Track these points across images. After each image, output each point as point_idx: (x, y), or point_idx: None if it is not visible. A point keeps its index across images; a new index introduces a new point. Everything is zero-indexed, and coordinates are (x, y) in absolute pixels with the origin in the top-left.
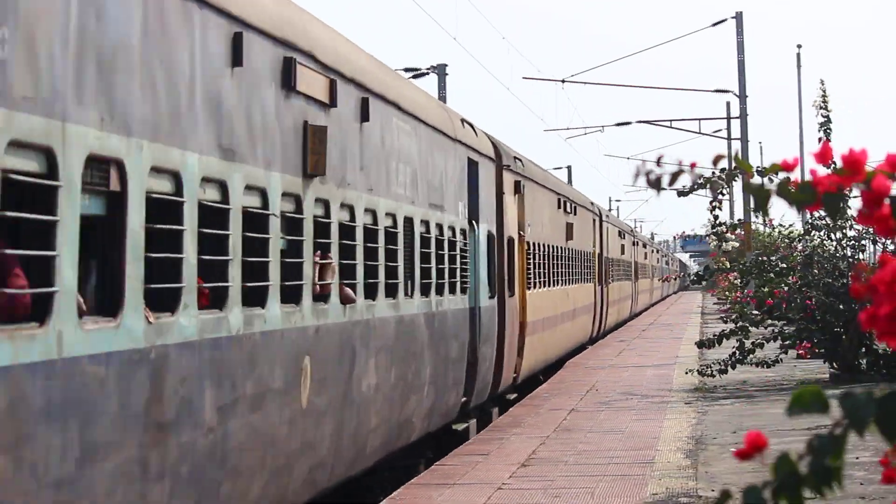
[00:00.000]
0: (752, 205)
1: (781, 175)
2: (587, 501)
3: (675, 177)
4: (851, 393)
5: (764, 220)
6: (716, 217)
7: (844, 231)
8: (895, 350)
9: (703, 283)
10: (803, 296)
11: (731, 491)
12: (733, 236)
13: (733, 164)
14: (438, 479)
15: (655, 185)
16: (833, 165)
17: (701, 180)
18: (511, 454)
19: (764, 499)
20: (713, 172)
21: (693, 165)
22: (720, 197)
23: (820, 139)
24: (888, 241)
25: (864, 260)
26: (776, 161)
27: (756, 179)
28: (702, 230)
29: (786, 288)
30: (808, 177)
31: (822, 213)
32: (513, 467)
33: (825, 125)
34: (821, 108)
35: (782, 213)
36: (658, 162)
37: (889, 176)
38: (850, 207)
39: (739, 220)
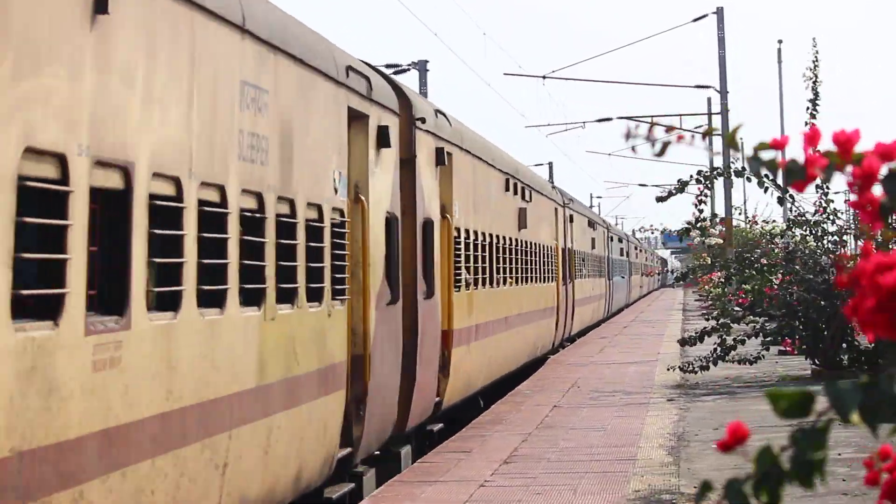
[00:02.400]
0: (749, 174)
1: (771, 153)
2: (569, 498)
3: (664, 147)
4: (835, 382)
5: (744, 207)
6: (700, 211)
7: (825, 227)
8: (876, 346)
9: (689, 279)
10: (785, 292)
11: (712, 483)
12: (716, 231)
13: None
14: (421, 476)
15: (657, 148)
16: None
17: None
18: (493, 451)
19: (745, 493)
20: (699, 174)
21: (680, 137)
22: (705, 196)
23: (807, 108)
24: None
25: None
26: (764, 140)
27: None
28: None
29: (768, 284)
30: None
31: (804, 209)
32: (495, 464)
33: (815, 91)
34: (812, 72)
35: (757, 204)
36: (651, 125)
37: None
38: (832, 201)
39: (720, 216)
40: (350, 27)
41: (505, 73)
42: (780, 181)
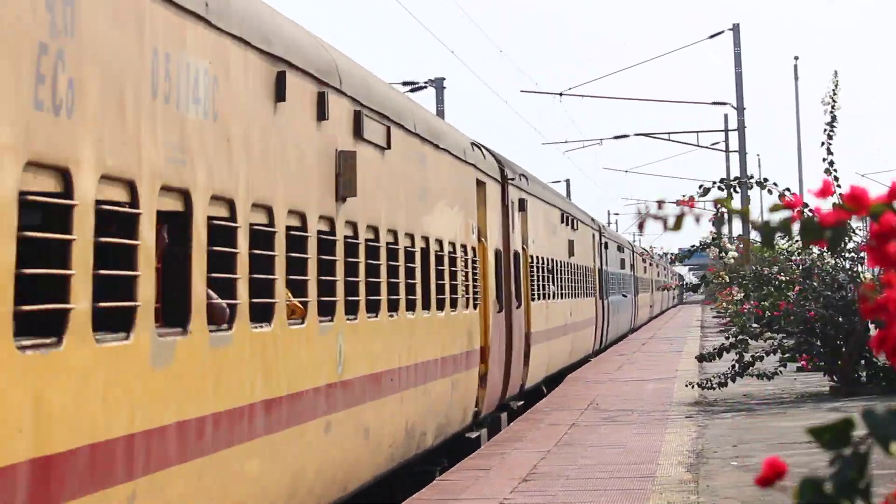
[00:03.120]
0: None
1: (783, 214)
2: None
3: (678, 220)
4: (873, 410)
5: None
6: (718, 230)
7: (843, 243)
8: None
9: (701, 290)
10: (803, 308)
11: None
12: (733, 247)
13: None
14: (440, 494)
15: (664, 225)
16: (834, 200)
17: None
18: (512, 469)
19: None
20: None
21: (691, 205)
22: (722, 210)
23: (823, 143)
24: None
25: (863, 272)
26: (777, 202)
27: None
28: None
29: (785, 301)
30: (806, 188)
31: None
32: (514, 482)
33: (831, 123)
34: (830, 103)
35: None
36: (659, 205)
37: (892, 209)
38: (853, 231)
39: (739, 235)
40: (367, 44)
41: (521, 90)
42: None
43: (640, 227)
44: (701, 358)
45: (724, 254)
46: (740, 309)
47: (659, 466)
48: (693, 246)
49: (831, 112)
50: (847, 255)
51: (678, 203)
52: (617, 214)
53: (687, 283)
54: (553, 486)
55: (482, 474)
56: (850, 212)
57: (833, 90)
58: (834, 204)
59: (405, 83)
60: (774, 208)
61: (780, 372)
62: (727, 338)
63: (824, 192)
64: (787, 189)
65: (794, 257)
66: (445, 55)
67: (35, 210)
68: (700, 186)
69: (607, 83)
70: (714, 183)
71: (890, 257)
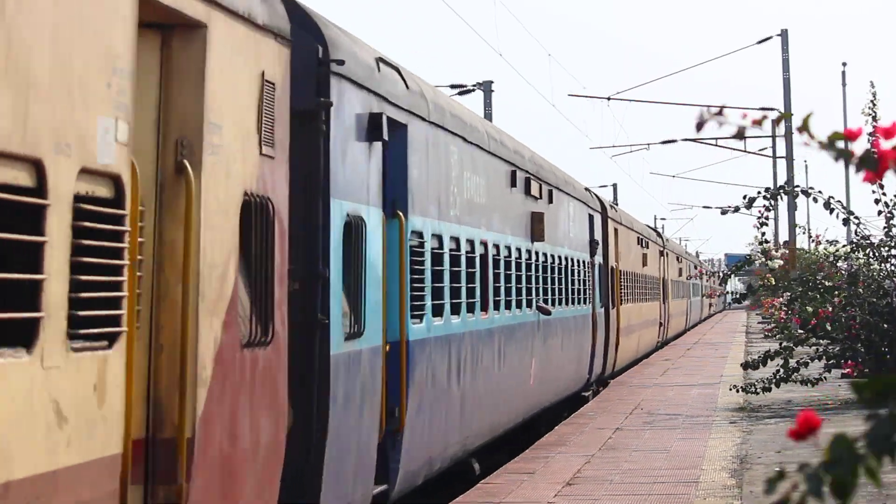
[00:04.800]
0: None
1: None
2: None
3: (740, 130)
4: None
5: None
6: (763, 234)
7: (890, 250)
8: None
9: (747, 301)
10: (848, 315)
11: (785, 471)
12: (778, 255)
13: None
14: (484, 497)
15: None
16: None
17: (746, 201)
18: (556, 473)
19: (819, 476)
20: (762, 194)
21: (755, 122)
22: (766, 215)
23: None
24: None
25: None
26: (839, 131)
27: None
28: (747, 249)
29: (830, 307)
30: (852, 194)
31: (867, 232)
32: (558, 486)
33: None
34: (869, 114)
35: (826, 228)
36: (720, 111)
37: None
38: (895, 225)
39: (784, 241)
40: (417, 46)
41: (569, 94)
42: (852, 170)
43: (699, 127)
44: (745, 365)
45: (769, 261)
46: (780, 317)
47: (703, 472)
48: (740, 261)
49: (872, 123)
50: (894, 261)
51: (743, 116)
52: (664, 219)
53: (732, 293)
54: (596, 490)
55: (526, 478)
56: None
57: (872, 102)
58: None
59: (453, 86)
60: (835, 136)
61: (825, 378)
62: (771, 339)
63: (890, 132)
64: (832, 197)
65: (839, 263)
66: (494, 58)
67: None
68: (744, 196)
69: (655, 88)
70: (759, 192)
71: None
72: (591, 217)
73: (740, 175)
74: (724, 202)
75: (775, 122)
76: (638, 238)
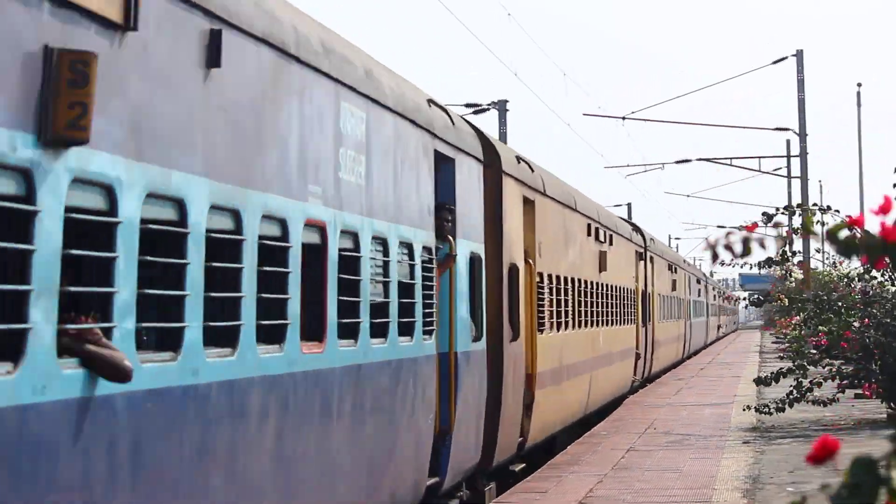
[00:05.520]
0: (819, 247)
1: (845, 230)
2: None
3: (745, 246)
4: None
5: (824, 260)
6: (783, 255)
7: None
8: None
9: (763, 310)
10: (862, 335)
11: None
12: (798, 269)
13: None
14: None
15: (733, 255)
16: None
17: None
18: (568, 492)
19: (842, 496)
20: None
21: (752, 229)
22: (790, 233)
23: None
24: None
25: None
26: (841, 220)
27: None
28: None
29: (847, 328)
30: (867, 215)
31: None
32: None
33: None
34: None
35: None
36: (727, 235)
37: None
38: None
39: (799, 261)
40: (431, 65)
41: (584, 114)
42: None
43: (714, 258)
44: (759, 381)
45: (790, 275)
46: (801, 335)
47: (715, 492)
48: (760, 262)
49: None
50: None
51: (743, 228)
52: (678, 239)
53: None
54: None
55: (538, 497)
56: None
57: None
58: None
59: (468, 105)
60: (837, 228)
61: (839, 399)
62: (784, 359)
63: (884, 209)
64: (849, 216)
65: (854, 283)
66: (509, 77)
67: None
68: (763, 214)
69: (670, 107)
70: (777, 209)
71: None
72: (442, 159)
73: (755, 195)
74: (738, 221)
75: (785, 238)
76: (589, 226)
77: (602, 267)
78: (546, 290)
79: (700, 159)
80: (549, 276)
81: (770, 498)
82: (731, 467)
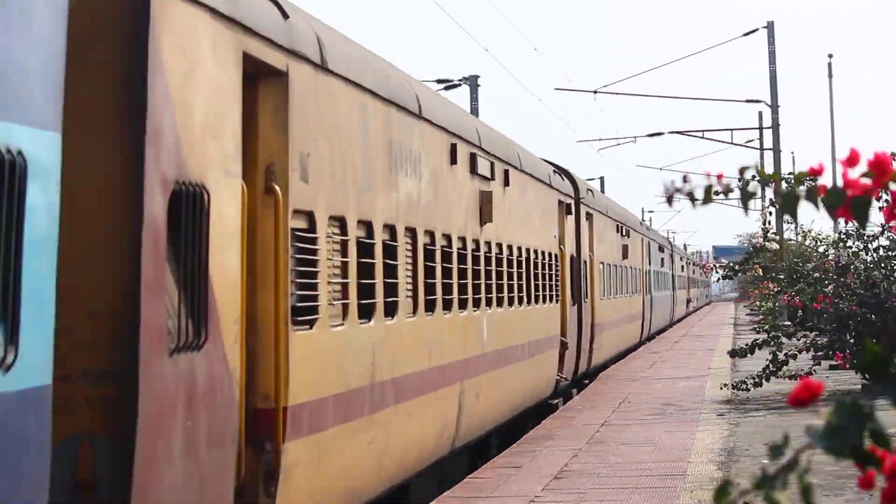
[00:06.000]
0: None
1: (809, 181)
2: None
3: (708, 192)
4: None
5: (795, 225)
6: (765, 231)
7: (878, 239)
8: None
9: (730, 285)
10: (836, 306)
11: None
12: (776, 239)
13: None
14: (471, 492)
15: (691, 199)
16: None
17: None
18: (544, 467)
19: (831, 437)
20: (739, 182)
21: (720, 176)
22: (769, 213)
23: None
24: None
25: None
26: (804, 170)
27: (784, 186)
28: (734, 241)
29: (819, 296)
30: (840, 183)
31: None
32: (545, 480)
33: None
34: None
35: (811, 220)
36: (684, 179)
37: None
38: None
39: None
40: (402, 42)
41: (556, 88)
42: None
43: (669, 201)
44: (733, 353)
45: (767, 242)
46: (775, 306)
47: (690, 464)
48: (743, 252)
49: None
50: (883, 251)
51: (707, 175)
52: (651, 212)
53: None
54: (584, 484)
55: (514, 472)
56: (875, 179)
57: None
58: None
59: (439, 81)
60: (799, 177)
61: (814, 371)
62: (758, 332)
63: (851, 160)
64: (811, 167)
65: (828, 253)
66: (479, 53)
67: None
68: (739, 178)
69: (642, 81)
70: (738, 181)
71: None
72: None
73: (728, 167)
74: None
75: (743, 179)
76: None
77: (486, 217)
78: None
79: (672, 132)
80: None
81: (745, 470)
82: (706, 440)
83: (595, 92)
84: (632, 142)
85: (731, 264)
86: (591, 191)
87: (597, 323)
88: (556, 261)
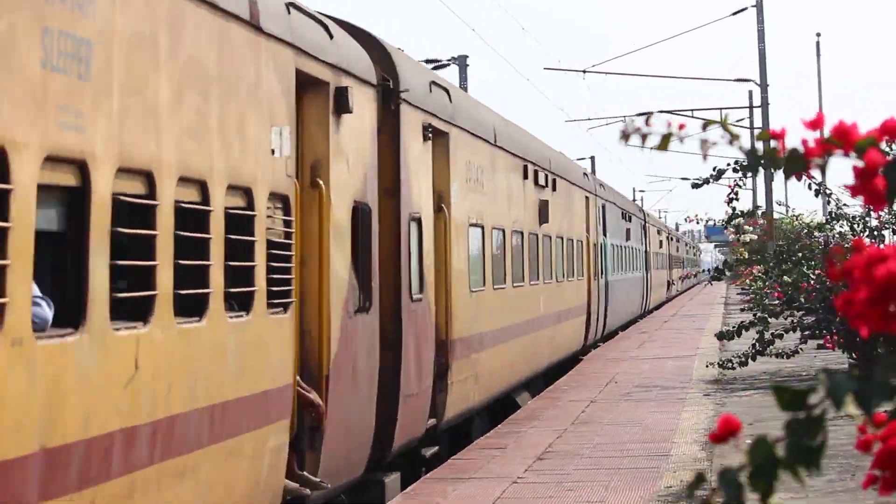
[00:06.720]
0: (745, 167)
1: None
2: (601, 495)
3: (665, 139)
4: (834, 373)
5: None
6: (733, 209)
7: (866, 221)
8: (871, 339)
9: (723, 278)
10: (823, 286)
11: (706, 475)
12: (751, 228)
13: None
14: (454, 473)
15: (643, 139)
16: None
17: (715, 173)
18: (527, 448)
19: (739, 482)
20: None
21: (682, 126)
22: (738, 187)
23: None
24: None
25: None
26: (767, 130)
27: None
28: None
29: (805, 279)
30: (790, 129)
31: (843, 203)
32: (529, 461)
33: None
34: None
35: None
36: (647, 120)
37: (878, 145)
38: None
39: (759, 207)
40: (389, 22)
41: (545, 68)
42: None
43: (626, 138)
44: (721, 336)
45: (740, 235)
46: (764, 288)
47: (674, 445)
48: (722, 220)
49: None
50: (870, 231)
51: (669, 124)
52: (642, 191)
53: (708, 270)
54: (567, 465)
55: (497, 453)
56: (836, 145)
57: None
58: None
59: (428, 61)
60: (761, 136)
61: (801, 350)
62: (749, 311)
63: (816, 123)
64: (772, 130)
65: (816, 234)
66: (467, 33)
67: None
68: (714, 168)
69: (631, 60)
70: (728, 164)
71: (877, 192)
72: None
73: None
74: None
75: (705, 125)
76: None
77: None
78: None
79: (661, 111)
80: None
81: (728, 451)
82: (691, 420)
83: (584, 72)
84: (621, 121)
85: (718, 262)
86: (507, 121)
87: (452, 339)
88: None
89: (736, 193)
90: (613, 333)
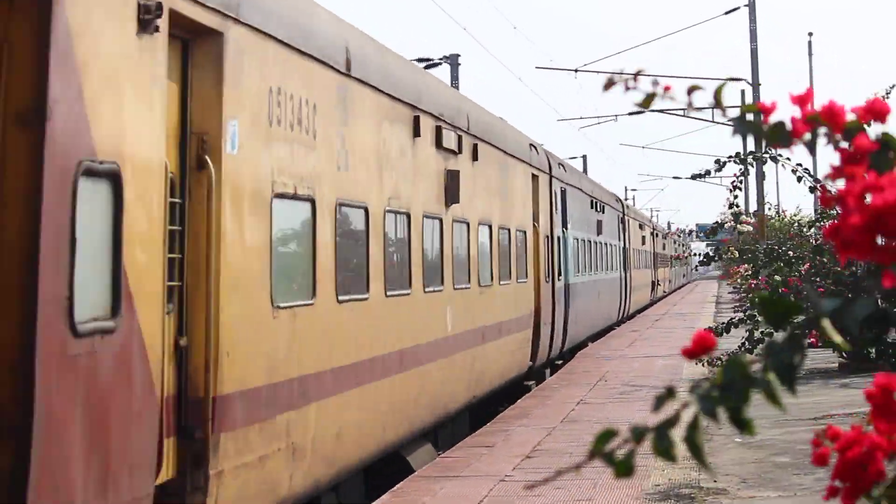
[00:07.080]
0: (733, 133)
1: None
2: (589, 493)
3: (649, 98)
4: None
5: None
6: (735, 196)
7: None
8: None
9: (712, 263)
10: (812, 284)
11: (675, 389)
12: (750, 218)
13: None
14: (441, 471)
15: (625, 88)
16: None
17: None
18: (515, 446)
19: (714, 396)
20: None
21: (667, 88)
22: (741, 178)
23: None
24: None
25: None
26: (756, 103)
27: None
28: (717, 218)
29: (793, 276)
30: (819, 162)
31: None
32: (516, 459)
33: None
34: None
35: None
36: (635, 77)
37: (866, 130)
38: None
39: (755, 211)
40: (382, 20)
41: (537, 67)
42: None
43: (609, 86)
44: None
45: (738, 223)
46: (749, 284)
47: None
48: (715, 222)
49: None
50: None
51: (654, 84)
52: (634, 190)
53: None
54: (555, 463)
55: (485, 451)
56: (822, 124)
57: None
58: (811, 116)
59: (420, 60)
60: (747, 109)
61: None
62: (739, 310)
63: (804, 99)
64: (800, 164)
65: (806, 232)
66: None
67: None
68: (717, 161)
69: (624, 59)
70: (730, 157)
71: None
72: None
73: (710, 145)
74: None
75: (690, 91)
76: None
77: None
78: None
79: (654, 110)
80: None
81: (717, 448)
82: (681, 418)
83: (576, 71)
84: (613, 120)
85: (708, 250)
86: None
87: (221, 395)
88: None
89: (740, 182)
90: (581, 345)
